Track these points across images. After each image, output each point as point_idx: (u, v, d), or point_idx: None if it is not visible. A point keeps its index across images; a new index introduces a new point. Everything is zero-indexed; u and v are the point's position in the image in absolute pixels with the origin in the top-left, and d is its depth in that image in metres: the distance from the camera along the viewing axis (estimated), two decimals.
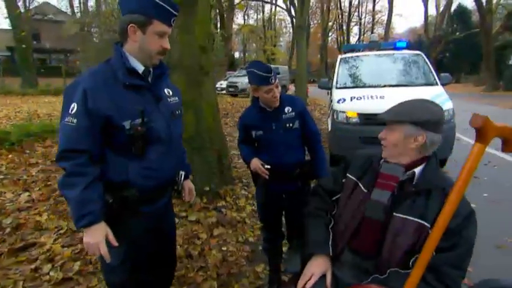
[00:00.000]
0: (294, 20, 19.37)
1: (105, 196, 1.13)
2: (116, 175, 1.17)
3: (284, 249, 2.21)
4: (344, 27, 39.07)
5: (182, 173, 1.43)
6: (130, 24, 1.12)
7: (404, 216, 1.07)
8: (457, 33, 24.32)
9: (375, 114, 4.08)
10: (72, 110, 1.08)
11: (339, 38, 40.69)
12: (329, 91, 5.44)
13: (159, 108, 1.24)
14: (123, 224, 1.20)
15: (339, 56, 5.45)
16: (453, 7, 25.90)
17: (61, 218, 2.99)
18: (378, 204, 1.13)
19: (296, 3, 13.40)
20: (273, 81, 1.64)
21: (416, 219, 1.06)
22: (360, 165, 1.28)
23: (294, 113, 1.77)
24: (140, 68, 1.19)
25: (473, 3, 20.75)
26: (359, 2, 38.22)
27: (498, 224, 2.89)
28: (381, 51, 5.38)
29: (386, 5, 32.22)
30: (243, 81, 15.91)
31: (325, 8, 33.32)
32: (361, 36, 40.67)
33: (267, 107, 1.75)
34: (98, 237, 1.10)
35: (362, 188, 1.21)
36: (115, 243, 1.14)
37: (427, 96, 4.39)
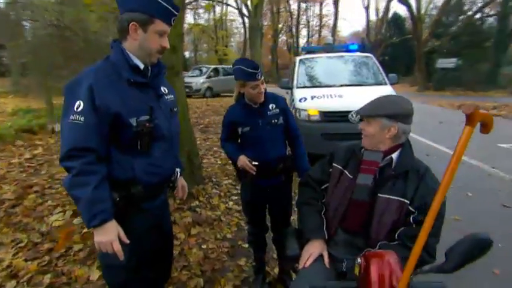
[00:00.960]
0: (247, 20, 19.67)
1: (112, 194, 1.13)
2: (121, 172, 1.17)
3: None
4: (293, 30, 40.57)
5: (178, 169, 1.46)
6: (132, 22, 1.14)
7: (388, 196, 1.25)
8: (394, 38, 26.92)
9: (335, 112, 4.43)
10: (78, 108, 1.07)
11: (288, 40, 42.18)
12: (289, 91, 5.70)
13: (160, 105, 1.27)
14: (128, 221, 1.21)
15: (297, 58, 5.75)
16: (390, 14, 28.62)
17: (17, 231, 2.74)
18: (363, 187, 1.29)
19: (249, 4, 13.61)
20: (259, 77, 1.74)
21: (398, 198, 1.24)
22: (343, 155, 1.44)
23: (278, 110, 1.88)
24: (140, 66, 1.21)
25: (407, 12, 23.16)
26: (307, 6, 40.01)
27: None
28: (335, 53, 5.79)
29: (332, 10, 34.35)
30: (197, 81, 15.67)
31: (275, 10, 34.26)
32: (309, 38, 42.63)
33: (252, 104, 1.84)
34: (110, 235, 1.10)
35: (348, 174, 1.37)
36: (126, 240, 1.14)
37: (379, 95, 4.89)
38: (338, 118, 4.39)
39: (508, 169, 4.50)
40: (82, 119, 1.07)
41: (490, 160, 4.87)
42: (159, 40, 1.19)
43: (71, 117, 1.07)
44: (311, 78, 5.31)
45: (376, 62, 5.46)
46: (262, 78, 1.77)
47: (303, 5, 39.32)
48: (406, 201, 1.23)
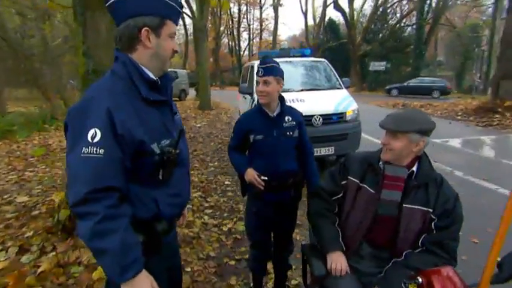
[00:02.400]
0: (189, 21, 19.22)
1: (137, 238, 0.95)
2: (144, 209, 1.00)
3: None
4: (235, 33, 40.88)
5: None
6: (145, 28, 0.98)
7: (412, 206, 1.29)
8: (331, 42, 28.87)
9: None
10: (93, 138, 0.87)
11: (230, 43, 42.36)
12: (247, 96, 5.67)
13: (176, 126, 1.12)
14: (146, 263, 1.03)
15: (254, 62, 5.74)
16: (326, 20, 30.57)
17: None
18: (389, 202, 1.30)
19: (194, 6, 13.29)
20: (261, 73, 1.69)
21: (421, 207, 1.28)
22: (358, 167, 1.43)
23: (294, 122, 1.81)
24: (156, 80, 1.05)
25: (341, 18, 25.05)
26: (247, 9, 40.66)
27: None
28: (291, 58, 5.93)
29: (272, 14, 35.44)
30: None
31: (215, 12, 34.10)
32: (251, 42, 43.40)
33: (269, 112, 1.75)
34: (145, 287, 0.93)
35: (368, 189, 1.37)
36: None
37: (338, 98, 5.10)
38: None
39: (447, 162, 5.10)
40: (102, 151, 0.87)
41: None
42: (171, 43, 1.04)
43: (85, 150, 0.87)
44: None
45: (330, 67, 5.73)
46: (268, 78, 1.69)
47: (244, 8, 39.88)
48: (429, 209, 1.27)
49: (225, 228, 3.09)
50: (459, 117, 9.55)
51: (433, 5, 22.93)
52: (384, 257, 1.32)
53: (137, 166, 0.97)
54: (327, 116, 4.56)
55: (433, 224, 1.27)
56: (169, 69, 1.13)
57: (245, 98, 6.03)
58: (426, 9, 22.80)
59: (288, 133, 1.79)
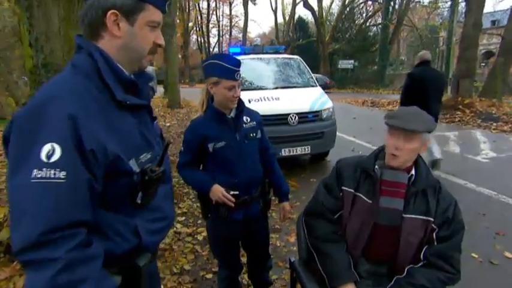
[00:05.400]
0: None
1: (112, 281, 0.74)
2: (121, 242, 0.79)
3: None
4: (204, 29, 40.07)
5: None
6: (111, 11, 0.76)
7: (412, 216, 1.18)
8: (300, 40, 29.19)
9: (275, 115, 4.39)
10: (50, 157, 0.64)
11: (199, 39, 41.48)
12: None
13: (155, 136, 0.91)
14: None
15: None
16: (296, 17, 30.86)
17: None
18: (389, 211, 1.18)
19: None
20: (238, 77, 1.47)
21: (421, 217, 1.18)
22: (351, 175, 1.30)
23: (254, 122, 1.63)
24: (133, 79, 0.84)
25: (310, 16, 25.42)
26: (216, 5, 39.99)
27: None
28: (265, 54, 5.79)
29: (242, 10, 35.17)
30: None
31: (183, 7, 33.16)
32: (220, 38, 42.82)
33: (224, 111, 1.53)
34: None
35: (364, 198, 1.24)
36: None
37: (313, 96, 5.03)
38: (278, 121, 4.36)
39: None
40: (63, 174, 0.64)
41: None
42: (151, 35, 0.83)
43: (37, 173, 0.63)
44: (245, 80, 5.17)
45: (304, 64, 5.66)
46: (240, 81, 1.51)
47: (212, 4, 39.19)
48: (430, 219, 1.17)
49: (200, 237, 2.87)
50: None
51: (397, 6, 23.92)
52: (383, 273, 1.21)
53: (110, 189, 0.76)
54: (303, 114, 4.48)
55: (434, 234, 1.18)
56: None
57: None
58: (390, 10, 23.73)
59: (251, 135, 1.60)
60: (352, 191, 1.28)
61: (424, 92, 3.90)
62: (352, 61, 24.09)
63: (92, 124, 0.69)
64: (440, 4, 23.42)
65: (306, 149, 4.50)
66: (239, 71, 1.47)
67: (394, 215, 1.18)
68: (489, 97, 10.31)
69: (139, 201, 0.81)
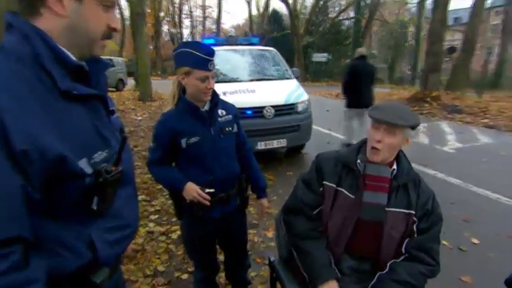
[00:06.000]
0: (124, 4, 17.55)
1: None
2: (72, 258, 0.68)
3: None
4: (176, 19, 38.90)
5: None
6: None
7: (395, 210, 1.16)
8: (275, 33, 29.12)
9: (250, 108, 4.31)
10: None
11: (171, 30, 40.26)
12: None
13: (114, 130, 0.80)
14: None
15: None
16: (270, 10, 30.72)
17: None
18: (373, 205, 1.15)
19: None
20: (211, 67, 1.37)
21: (403, 210, 1.16)
22: (332, 169, 1.26)
23: (230, 116, 1.54)
24: (83, 65, 0.72)
25: (285, 9, 25.38)
26: None
27: None
28: (239, 46, 5.65)
29: (215, 1, 34.41)
30: None
31: None
32: (193, 29, 41.79)
33: (197, 104, 1.43)
34: None
35: (346, 193, 1.21)
36: None
37: (289, 89, 5.00)
38: (253, 114, 4.29)
39: None
40: None
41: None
42: (104, 16, 0.71)
43: None
44: (220, 72, 5.03)
45: (279, 56, 5.61)
46: (214, 71, 1.41)
47: None
48: (412, 212, 1.16)
49: (174, 236, 2.75)
50: None
51: (368, 1, 24.44)
52: (365, 270, 1.18)
53: (58, 195, 0.64)
54: (279, 107, 4.44)
55: (414, 226, 1.16)
56: (105, 57, 0.79)
57: None
58: (363, 4, 24.21)
59: (226, 129, 1.51)
60: (333, 185, 1.23)
61: (358, 81, 4.87)
62: (325, 54, 24.41)
63: (25, 120, 0.58)
64: (408, 0, 24.27)
65: (282, 142, 4.47)
66: (213, 60, 1.37)
67: (377, 210, 1.15)
68: (453, 90, 10.84)
69: (95, 208, 0.70)
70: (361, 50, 5.34)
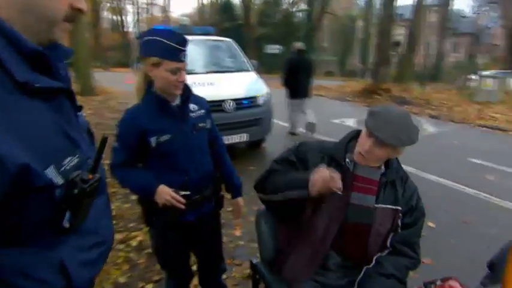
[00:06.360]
0: None
1: None
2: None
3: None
4: (118, 5, 36.50)
5: None
6: None
7: (383, 206, 1.19)
8: (227, 23, 28.82)
9: (209, 102, 4.19)
10: None
11: (112, 17, 37.75)
12: None
13: (81, 129, 0.70)
14: None
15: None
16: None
17: None
18: (361, 208, 1.18)
19: None
20: (184, 58, 1.28)
21: (391, 206, 1.20)
22: (318, 160, 1.26)
23: (203, 111, 1.47)
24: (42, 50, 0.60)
25: None
26: None
27: None
28: (194, 36, 5.47)
29: None
30: None
31: None
32: (138, 17, 39.63)
33: (167, 98, 1.33)
34: None
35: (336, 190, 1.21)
36: None
37: (248, 82, 4.98)
38: (213, 108, 4.19)
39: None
40: None
41: (329, 134, 6.00)
42: None
43: None
44: None
45: (236, 47, 5.55)
46: (186, 62, 1.32)
47: None
48: (399, 208, 1.21)
49: (134, 243, 2.59)
50: (349, 99, 10.87)
51: None
52: (352, 265, 1.21)
53: (17, 215, 0.54)
54: (239, 100, 4.40)
55: (399, 221, 1.22)
56: None
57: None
58: None
59: (200, 125, 1.43)
60: None
61: (296, 74, 5.46)
62: (279, 46, 24.83)
63: None
64: None
65: (244, 137, 4.46)
66: (185, 50, 1.27)
67: (366, 213, 1.18)
68: (400, 83, 11.78)
69: (66, 225, 0.61)
70: (298, 45, 5.83)
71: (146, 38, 1.25)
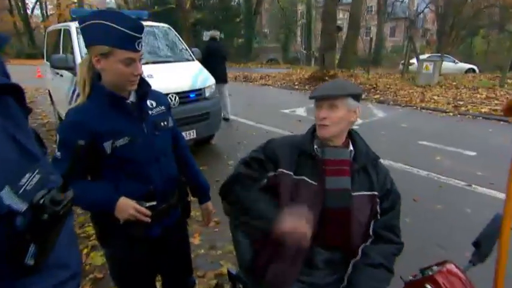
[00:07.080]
0: None
1: None
2: None
3: None
4: None
5: None
6: None
7: (360, 193, 1.24)
8: (156, 7, 27.64)
9: None
10: None
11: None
12: (65, 72, 4.55)
13: (32, 136, 0.59)
14: None
15: (72, 25, 4.60)
16: None
17: None
18: (338, 191, 1.20)
19: None
20: (139, 47, 1.15)
21: (367, 192, 1.25)
22: (288, 156, 1.28)
23: (163, 107, 1.37)
24: None
25: None
26: None
27: None
28: None
29: None
30: None
31: None
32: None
33: (124, 96, 1.21)
34: None
35: (308, 180, 1.23)
36: None
37: (192, 73, 4.85)
38: None
39: (301, 130, 5.84)
40: None
41: (280, 125, 6.15)
42: None
43: None
44: None
45: (175, 33, 5.34)
46: (142, 52, 1.20)
47: None
48: (375, 193, 1.26)
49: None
50: (297, 87, 11.23)
51: None
52: (338, 260, 1.24)
53: None
54: (184, 94, 4.25)
55: (378, 207, 1.27)
56: None
57: (62, 76, 4.84)
58: None
59: (162, 124, 1.34)
60: (291, 173, 1.25)
61: (212, 60, 6.20)
62: (218, 32, 24.67)
63: None
64: None
65: (192, 134, 4.34)
66: (141, 38, 1.15)
67: (343, 196, 1.21)
68: (344, 68, 12.51)
69: (31, 262, 0.52)
70: (212, 33, 6.96)
71: (90, 22, 1.11)
